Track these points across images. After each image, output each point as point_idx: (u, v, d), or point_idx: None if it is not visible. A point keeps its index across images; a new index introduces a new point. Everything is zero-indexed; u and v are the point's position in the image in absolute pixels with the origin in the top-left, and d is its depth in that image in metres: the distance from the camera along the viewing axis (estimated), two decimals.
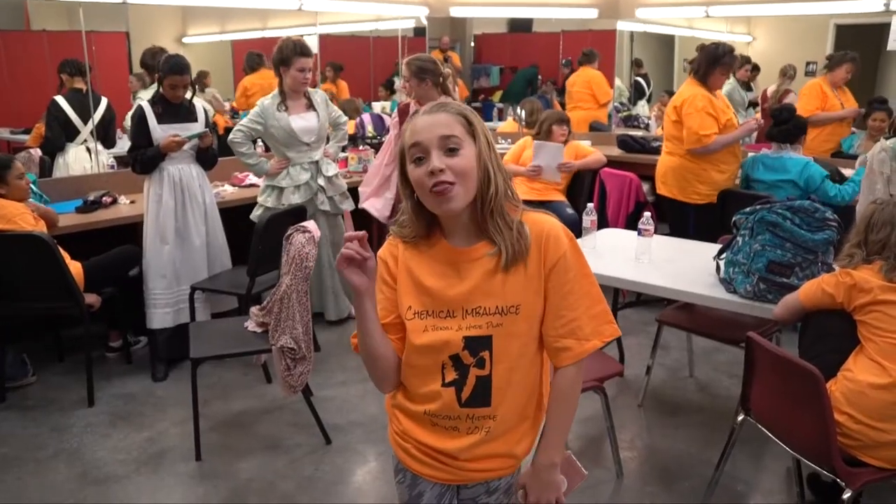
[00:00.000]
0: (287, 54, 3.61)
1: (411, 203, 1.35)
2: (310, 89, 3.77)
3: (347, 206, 4.01)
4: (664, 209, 4.17)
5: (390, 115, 5.77)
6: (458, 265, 1.34)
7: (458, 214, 1.32)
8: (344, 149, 5.03)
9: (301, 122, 3.73)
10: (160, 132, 3.38)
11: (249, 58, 6.04)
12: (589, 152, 4.72)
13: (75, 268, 3.23)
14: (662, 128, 4.21)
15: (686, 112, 3.80)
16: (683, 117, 3.82)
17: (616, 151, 5.38)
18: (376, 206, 3.88)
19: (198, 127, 3.47)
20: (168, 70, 3.33)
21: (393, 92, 7.12)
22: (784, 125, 3.79)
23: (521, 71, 8.33)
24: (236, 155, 3.72)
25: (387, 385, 1.43)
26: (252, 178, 4.37)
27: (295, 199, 3.74)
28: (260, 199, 3.83)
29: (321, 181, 3.84)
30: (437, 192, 1.27)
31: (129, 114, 4.75)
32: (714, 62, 3.79)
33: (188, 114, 3.48)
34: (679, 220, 4.02)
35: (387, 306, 1.40)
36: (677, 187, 3.97)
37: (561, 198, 4.66)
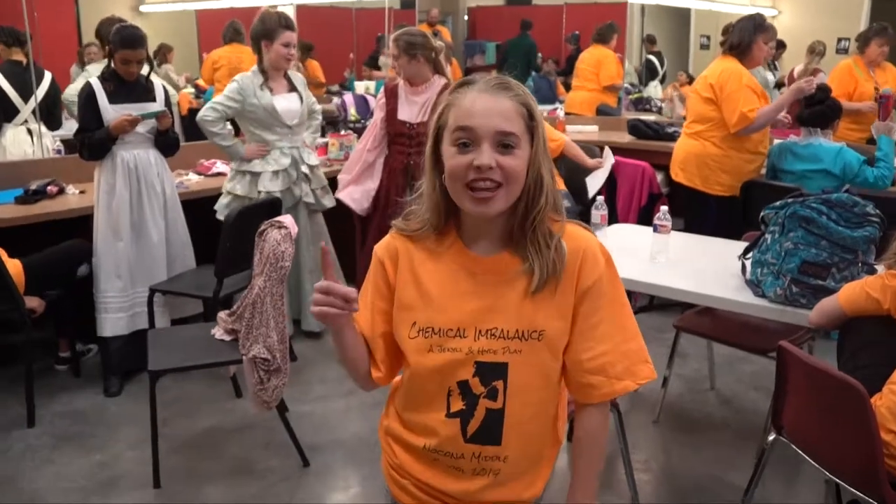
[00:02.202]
0: (271, 27, 3.58)
1: (435, 186, 1.28)
2: (289, 70, 3.75)
3: (328, 201, 3.97)
4: (680, 201, 4.16)
5: (375, 97, 5.73)
6: (475, 276, 1.29)
7: (491, 219, 1.26)
8: (323, 133, 4.99)
9: (284, 102, 3.70)
10: (112, 113, 3.32)
11: (228, 28, 6.00)
12: (555, 139, 4.46)
13: (14, 266, 3.18)
14: (685, 108, 4.19)
15: (730, 90, 3.77)
16: (725, 96, 3.79)
17: (626, 138, 5.37)
18: (354, 195, 3.83)
19: (156, 107, 3.42)
20: (119, 43, 3.27)
21: (377, 69, 7.08)
22: (818, 105, 3.77)
23: (513, 41, 8.25)
24: (208, 136, 3.66)
25: (372, 383, 1.39)
26: (220, 167, 4.31)
27: (273, 186, 3.70)
28: (227, 187, 3.76)
29: (304, 169, 3.81)
30: (476, 189, 1.21)
31: (70, 88, 4.70)
32: (757, 30, 3.80)
33: (144, 93, 3.43)
34: (698, 212, 4.01)
35: (374, 319, 1.34)
36: (699, 176, 3.96)
37: (560, 187, 4.65)
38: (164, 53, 6.49)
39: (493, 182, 1.21)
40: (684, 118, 4.31)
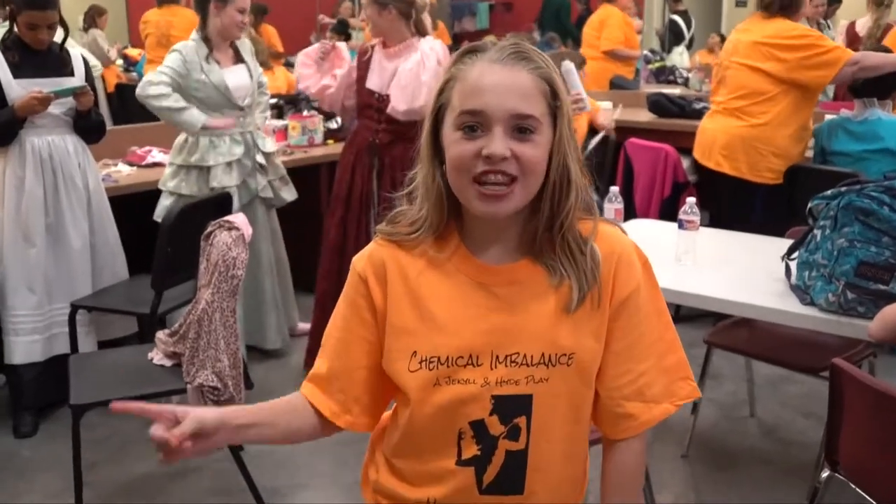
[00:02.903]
0: None
1: (434, 178, 1.25)
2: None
3: (288, 194, 3.97)
4: (710, 191, 4.16)
5: None
6: (488, 289, 1.26)
7: (504, 221, 1.24)
8: (281, 114, 4.97)
9: (234, 77, 3.71)
10: (17, 89, 3.28)
11: None
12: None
13: None
14: (717, 81, 4.14)
15: (803, 44, 3.78)
16: (794, 61, 3.78)
17: (646, 116, 5.39)
18: (308, 81, 3.79)
19: (74, 83, 3.39)
20: (23, 3, 3.23)
21: (347, 38, 7.06)
22: None
23: None
24: (156, 111, 3.64)
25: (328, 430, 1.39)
26: (157, 155, 4.29)
27: (228, 181, 3.70)
28: (170, 186, 3.73)
29: (259, 158, 3.81)
30: (485, 184, 1.18)
31: None
32: None
33: (59, 65, 3.41)
34: (742, 205, 4.01)
35: (351, 349, 1.31)
36: (746, 162, 3.96)
37: None
38: (93, 17, 6.46)
39: (507, 175, 1.18)
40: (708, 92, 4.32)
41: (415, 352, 1.25)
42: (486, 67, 1.20)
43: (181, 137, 3.78)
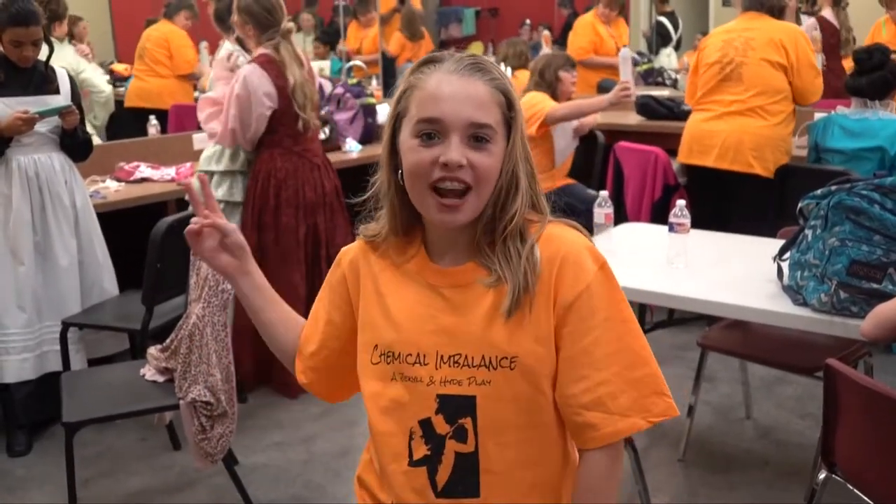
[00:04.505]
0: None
1: (390, 185, 1.30)
2: None
3: None
4: (723, 193, 4.13)
5: (331, 79, 5.73)
6: (440, 290, 1.30)
7: (459, 227, 1.28)
8: None
9: None
10: (2, 108, 3.28)
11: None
12: (533, 112, 4.48)
13: None
14: (721, 80, 4.11)
15: (805, 52, 3.84)
16: (801, 62, 3.84)
17: (635, 119, 5.40)
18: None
19: (59, 101, 3.38)
20: (7, 20, 3.22)
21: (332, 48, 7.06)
22: (876, 72, 3.79)
23: None
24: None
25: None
26: (144, 170, 4.28)
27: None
28: (220, 194, 3.75)
29: None
30: (442, 191, 1.22)
31: None
32: None
33: (44, 82, 3.40)
34: (765, 205, 4.00)
35: (326, 329, 1.41)
36: (773, 162, 3.98)
37: (564, 182, 4.72)
38: (71, 27, 6.43)
39: (462, 183, 1.22)
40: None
41: (376, 345, 1.32)
42: (444, 77, 1.24)
43: (215, 147, 3.79)
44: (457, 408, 1.27)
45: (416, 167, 1.23)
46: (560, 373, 1.28)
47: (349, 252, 1.40)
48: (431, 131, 1.22)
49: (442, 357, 1.27)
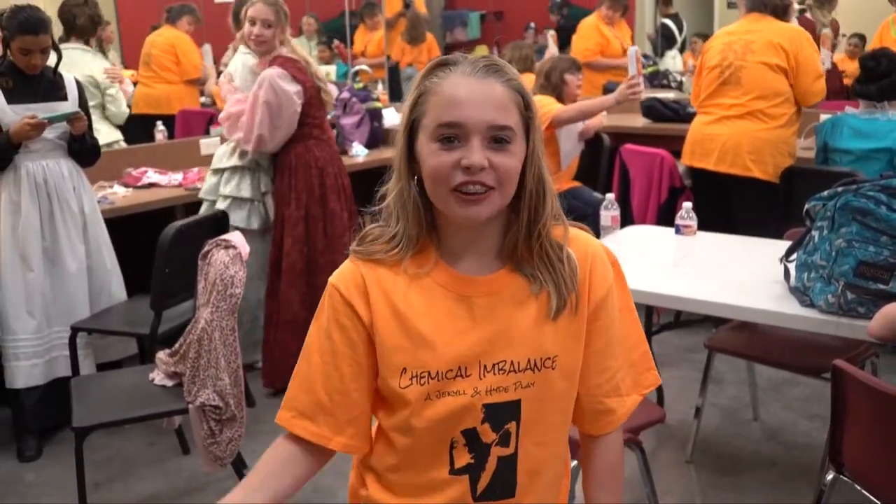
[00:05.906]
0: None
1: (409, 192, 1.25)
2: None
3: None
4: (723, 196, 4.13)
5: (338, 84, 5.73)
6: (470, 301, 1.27)
7: (480, 228, 1.25)
8: None
9: None
10: (11, 115, 3.29)
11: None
12: (543, 113, 4.51)
13: None
14: (720, 84, 4.11)
15: (806, 55, 3.84)
16: (802, 64, 3.83)
17: (640, 121, 5.40)
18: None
19: (67, 108, 3.40)
20: (16, 28, 3.23)
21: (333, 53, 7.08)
22: (884, 79, 3.78)
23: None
24: None
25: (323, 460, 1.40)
26: (152, 176, 4.30)
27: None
28: (228, 190, 3.80)
29: None
30: (464, 193, 1.20)
31: None
32: None
33: (53, 89, 3.42)
34: (768, 209, 3.98)
35: (342, 370, 1.28)
36: (773, 165, 3.97)
37: (569, 185, 4.73)
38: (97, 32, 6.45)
39: (484, 186, 1.20)
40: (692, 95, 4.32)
41: (404, 368, 1.25)
42: (461, 80, 1.22)
43: (228, 145, 3.85)
44: (503, 414, 1.27)
45: (438, 171, 1.21)
46: (585, 365, 1.32)
47: (346, 276, 1.30)
48: (451, 135, 1.20)
49: (485, 367, 1.25)
